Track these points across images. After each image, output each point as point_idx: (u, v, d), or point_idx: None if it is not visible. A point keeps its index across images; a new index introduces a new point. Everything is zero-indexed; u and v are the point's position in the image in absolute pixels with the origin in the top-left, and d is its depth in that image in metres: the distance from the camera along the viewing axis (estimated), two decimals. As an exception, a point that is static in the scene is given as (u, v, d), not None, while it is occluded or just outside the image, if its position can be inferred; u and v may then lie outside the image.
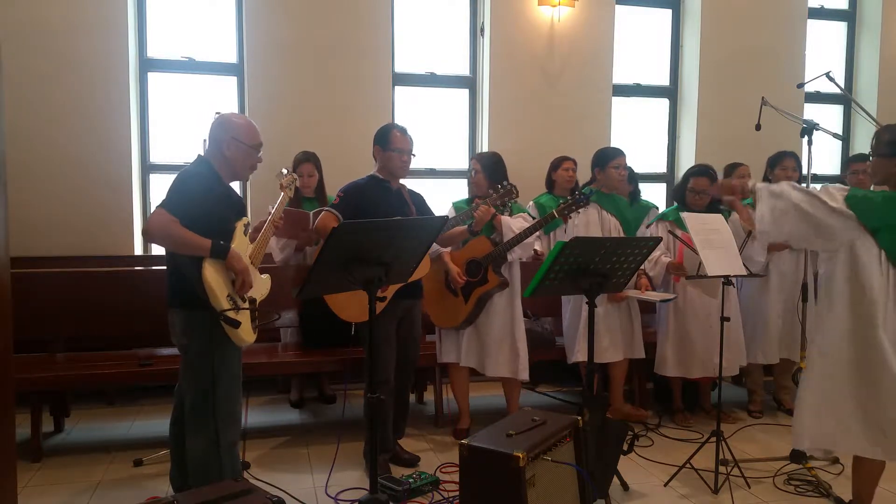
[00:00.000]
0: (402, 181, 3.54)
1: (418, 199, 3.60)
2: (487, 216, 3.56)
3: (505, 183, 3.63)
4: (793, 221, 2.63)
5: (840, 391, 2.65)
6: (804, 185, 2.79)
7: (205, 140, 2.79)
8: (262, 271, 2.85)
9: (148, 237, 2.70)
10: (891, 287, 2.56)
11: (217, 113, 2.84)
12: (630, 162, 4.15)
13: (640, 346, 4.11)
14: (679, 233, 3.75)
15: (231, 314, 2.57)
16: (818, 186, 2.73)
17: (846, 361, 2.63)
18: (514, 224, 3.71)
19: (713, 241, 3.30)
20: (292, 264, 4.17)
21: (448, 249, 3.74)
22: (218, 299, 2.54)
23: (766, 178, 4.40)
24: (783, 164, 4.28)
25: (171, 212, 2.54)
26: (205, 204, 2.60)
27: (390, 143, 3.40)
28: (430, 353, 4.06)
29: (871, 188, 2.84)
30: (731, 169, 4.89)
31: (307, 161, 4.30)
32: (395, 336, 3.43)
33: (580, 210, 3.60)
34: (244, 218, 2.78)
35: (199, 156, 2.75)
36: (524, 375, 3.79)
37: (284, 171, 3.21)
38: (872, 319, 2.56)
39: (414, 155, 3.48)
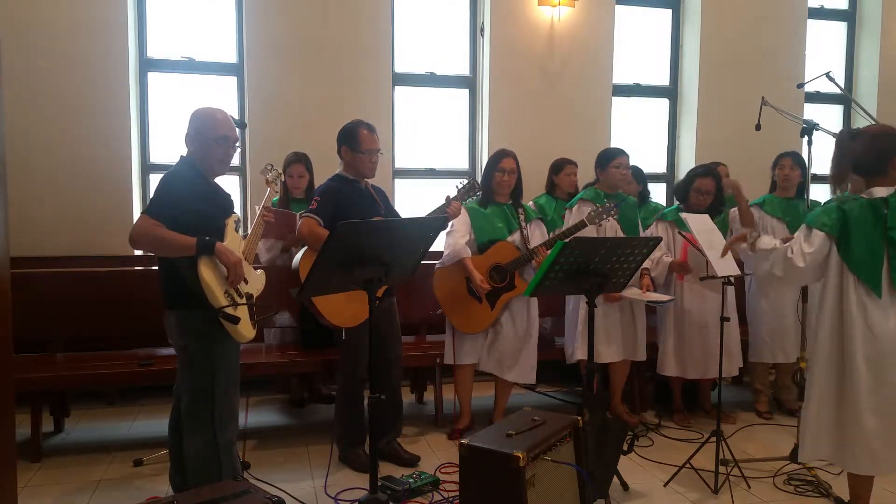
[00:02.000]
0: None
1: (383, 196, 3.59)
2: (459, 212, 3.60)
3: (469, 178, 3.65)
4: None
5: (828, 403, 2.69)
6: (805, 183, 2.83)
7: None
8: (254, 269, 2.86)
9: (133, 244, 2.70)
10: (852, 297, 2.60)
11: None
12: (630, 162, 4.13)
13: (642, 348, 4.08)
14: (686, 234, 3.76)
15: (229, 310, 2.57)
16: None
17: (833, 374, 2.67)
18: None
19: (713, 241, 3.31)
20: (279, 265, 4.16)
21: (469, 255, 3.71)
22: (216, 296, 2.54)
23: (771, 180, 4.42)
24: (780, 164, 4.34)
25: (154, 216, 2.54)
26: (188, 204, 2.59)
27: (360, 145, 3.36)
28: (430, 353, 4.06)
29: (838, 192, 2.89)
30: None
31: (298, 162, 4.29)
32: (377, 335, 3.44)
33: (609, 218, 3.68)
34: (234, 214, 2.78)
35: (182, 156, 2.75)
36: (533, 378, 3.87)
37: (269, 166, 3.21)
38: (848, 331, 2.61)
39: (381, 153, 3.46)
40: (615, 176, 3.98)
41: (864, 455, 2.61)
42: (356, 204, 3.38)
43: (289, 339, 4.31)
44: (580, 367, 4.26)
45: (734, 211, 4.15)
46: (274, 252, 4.21)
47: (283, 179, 3.76)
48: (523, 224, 3.81)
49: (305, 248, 3.35)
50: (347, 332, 3.32)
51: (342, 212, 3.24)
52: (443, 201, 3.60)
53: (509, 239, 3.78)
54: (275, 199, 4.22)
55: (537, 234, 3.88)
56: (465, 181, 3.65)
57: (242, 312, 2.64)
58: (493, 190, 3.81)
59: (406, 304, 4.09)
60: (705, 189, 4.01)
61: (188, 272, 2.54)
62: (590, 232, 3.92)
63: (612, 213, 3.67)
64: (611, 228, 3.99)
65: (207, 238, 2.55)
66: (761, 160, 4.91)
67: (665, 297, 3.90)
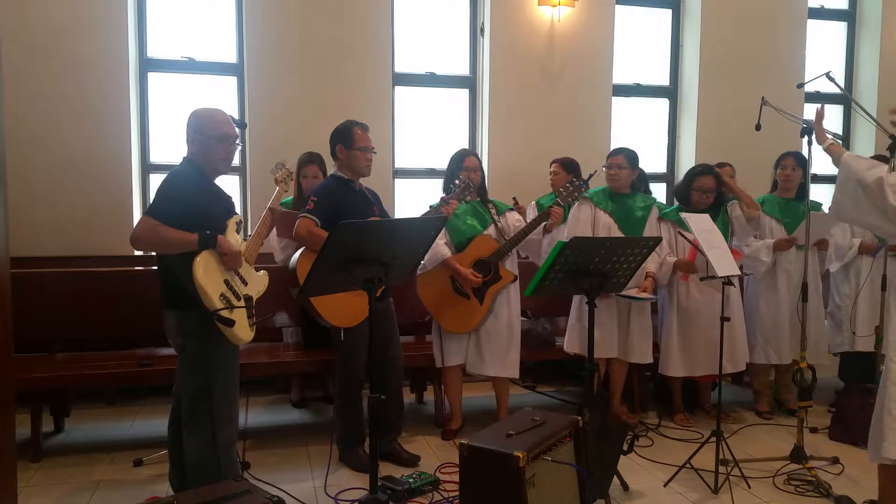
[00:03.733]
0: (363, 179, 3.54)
1: (376, 197, 3.60)
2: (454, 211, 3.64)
3: (462, 178, 3.68)
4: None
5: None
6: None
7: None
8: (258, 269, 2.85)
9: (135, 244, 2.71)
10: None
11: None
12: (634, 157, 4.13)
13: (639, 350, 4.04)
14: (689, 236, 3.75)
15: (225, 313, 2.56)
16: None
17: None
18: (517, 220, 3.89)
19: (713, 241, 3.31)
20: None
21: (450, 254, 3.71)
22: (210, 299, 2.53)
23: (773, 180, 4.42)
24: (782, 164, 4.35)
25: (155, 216, 2.54)
26: (190, 203, 2.59)
27: (354, 143, 3.37)
28: (430, 353, 4.05)
29: None
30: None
31: (312, 162, 4.28)
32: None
33: (580, 196, 3.72)
34: (235, 215, 2.78)
35: (184, 157, 2.75)
36: (517, 372, 3.88)
37: (280, 165, 3.20)
38: None
39: (375, 152, 3.48)
40: (606, 175, 4.03)
41: None
42: (354, 204, 3.39)
43: (295, 339, 4.31)
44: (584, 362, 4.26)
45: (732, 204, 4.14)
46: (289, 251, 4.20)
47: (294, 179, 3.75)
48: (496, 217, 3.83)
49: (302, 248, 3.36)
50: (345, 332, 3.32)
51: (340, 211, 3.24)
52: (437, 201, 3.62)
53: (485, 233, 3.80)
54: (288, 199, 4.23)
55: (512, 224, 3.89)
56: (460, 181, 3.66)
57: (240, 315, 2.64)
58: None
59: (405, 305, 4.09)
60: (706, 187, 4.02)
61: (182, 273, 2.54)
62: (582, 229, 3.94)
63: (583, 189, 3.72)
64: (604, 227, 3.97)
65: (209, 232, 2.55)
66: (761, 160, 4.91)
67: (646, 295, 3.90)
